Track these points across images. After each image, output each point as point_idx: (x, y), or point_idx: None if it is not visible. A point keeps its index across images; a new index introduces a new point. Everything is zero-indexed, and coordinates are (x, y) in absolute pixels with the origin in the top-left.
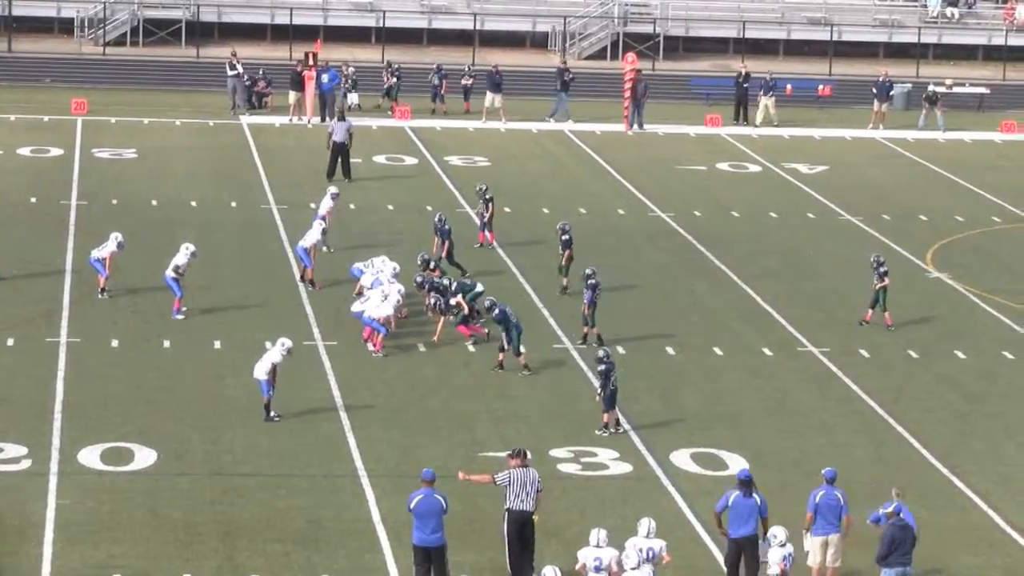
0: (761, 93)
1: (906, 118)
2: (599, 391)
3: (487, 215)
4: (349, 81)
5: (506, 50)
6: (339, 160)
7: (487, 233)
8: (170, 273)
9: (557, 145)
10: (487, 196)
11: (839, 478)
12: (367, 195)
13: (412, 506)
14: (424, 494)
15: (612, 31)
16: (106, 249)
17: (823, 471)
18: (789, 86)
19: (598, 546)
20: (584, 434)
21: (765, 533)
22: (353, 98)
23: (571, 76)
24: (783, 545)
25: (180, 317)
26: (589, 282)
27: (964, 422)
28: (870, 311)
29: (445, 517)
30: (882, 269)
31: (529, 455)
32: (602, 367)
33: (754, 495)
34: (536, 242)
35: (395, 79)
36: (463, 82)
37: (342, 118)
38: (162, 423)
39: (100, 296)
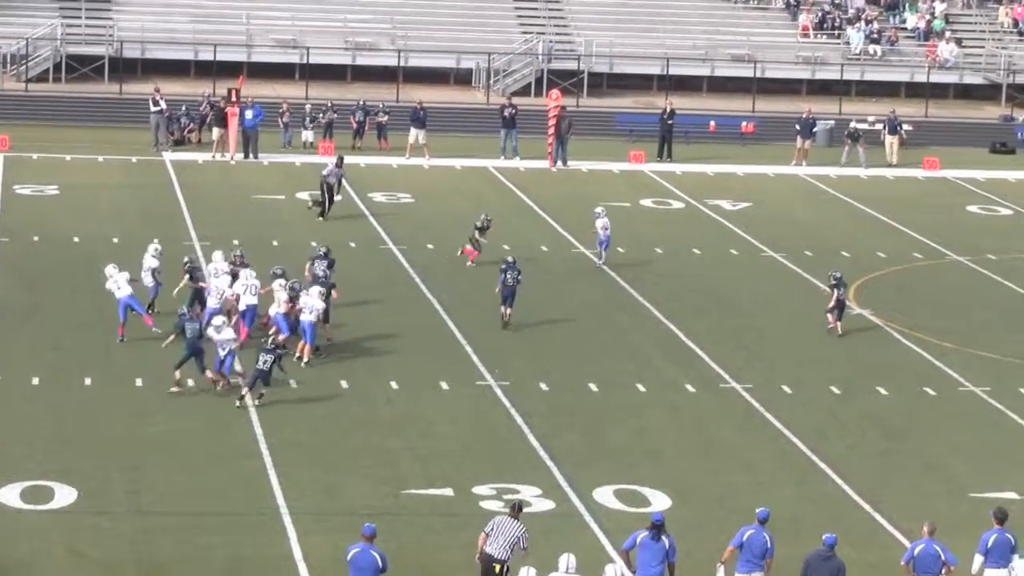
0: (885, 131)
1: (829, 155)
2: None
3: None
4: (307, 118)
5: (430, 86)
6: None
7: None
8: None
9: (481, 182)
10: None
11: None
12: (291, 232)
13: (348, 558)
14: (360, 548)
15: (536, 68)
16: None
17: (757, 511)
18: (712, 123)
19: (567, 571)
20: (508, 472)
21: None
22: (308, 135)
23: (513, 111)
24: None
25: (157, 329)
26: (501, 267)
27: (886, 458)
28: (834, 320)
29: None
30: (835, 281)
31: (522, 510)
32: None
33: (663, 538)
34: (461, 277)
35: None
36: (378, 119)
37: (339, 164)
38: (83, 461)
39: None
